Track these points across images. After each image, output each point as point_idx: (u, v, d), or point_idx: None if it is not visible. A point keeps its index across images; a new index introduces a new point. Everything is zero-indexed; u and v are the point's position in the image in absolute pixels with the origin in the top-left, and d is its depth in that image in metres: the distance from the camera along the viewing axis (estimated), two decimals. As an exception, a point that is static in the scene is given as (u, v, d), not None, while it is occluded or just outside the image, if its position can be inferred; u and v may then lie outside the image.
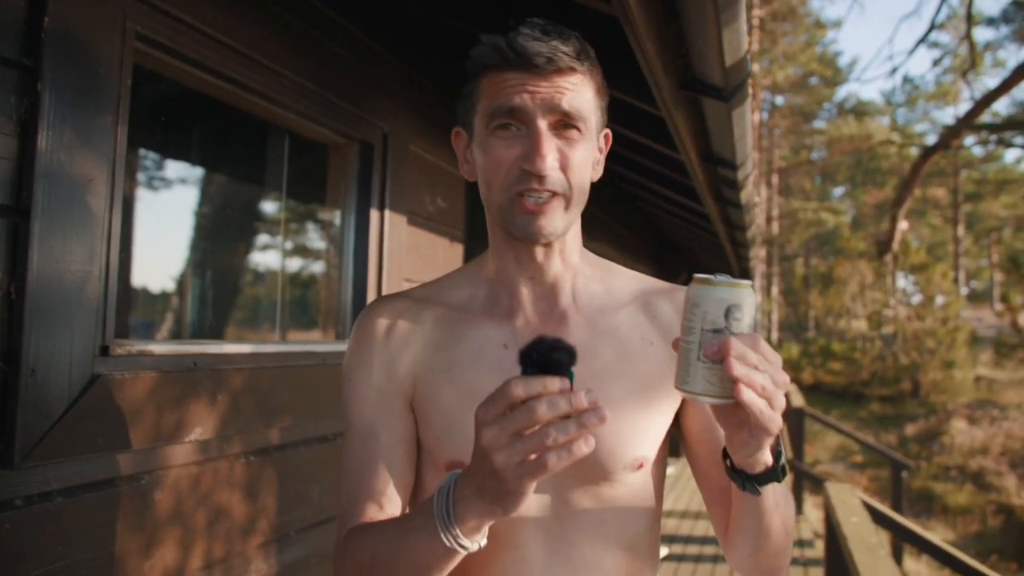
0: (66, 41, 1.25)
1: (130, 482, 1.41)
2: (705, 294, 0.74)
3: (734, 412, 0.75)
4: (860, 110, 34.36)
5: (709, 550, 5.41)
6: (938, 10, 17.52)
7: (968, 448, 15.36)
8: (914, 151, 25.65)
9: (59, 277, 1.24)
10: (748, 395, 0.70)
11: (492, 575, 0.91)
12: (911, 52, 17.86)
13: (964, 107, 31.56)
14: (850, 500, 3.64)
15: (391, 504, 0.92)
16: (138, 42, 1.45)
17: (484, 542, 0.78)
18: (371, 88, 2.30)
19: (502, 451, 0.67)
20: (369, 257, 2.34)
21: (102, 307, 1.34)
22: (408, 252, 2.52)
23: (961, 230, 33.65)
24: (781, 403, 0.73)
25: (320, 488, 2.00)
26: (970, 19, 17.00)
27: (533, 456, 0.67)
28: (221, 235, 2.80)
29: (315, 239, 2.91)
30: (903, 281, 23.39)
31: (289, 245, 2.96)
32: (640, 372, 0.94)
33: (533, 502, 0.90)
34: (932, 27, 16.71)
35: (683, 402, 0.97)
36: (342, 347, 2.18)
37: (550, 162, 0.85)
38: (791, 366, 20.23)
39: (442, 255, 2.77)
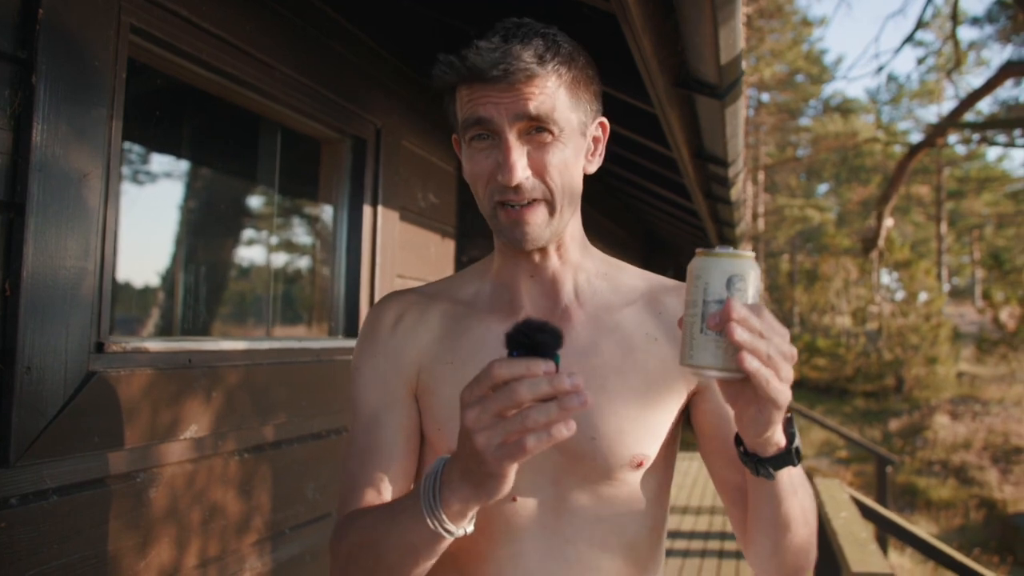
0: (61, 34, 1.23)
1: (125, 480, 1.39)
2: (707, 265, 0.72)
3: (741, 389, 0.73)
4: (846, 108, 34.54)
5: (713, 545, 5.34)
6: (924, 8, 17.69)
7: (951, 443, 15.54)
8: (898, 149, 25.88)
9: (54, 273, 1.23)
10: (753, 363, 0.68)
11: (489, 570, 0.91)
12: (897, 51, 17.98)
13: (948, 105, 31.87)
14: (839, 495, 3.68)
15: (390, 491, 0.93)
16: (133, 35, 1.44)
17: (471, 528, 0.77)
18: (364, 83, 2.29)
19: (483, 432, 0.67)
20: (362, 253, 2.33)
21: (97, 303, 1.33)
22: (401, 248, 2.51)
23: (944, 227, 33.95)
24: (789, 375, 0.70)
25: (315, 485, 1.99)
26: (955, 18, 17.12)
27: (514, 438, 0.66)
28: (211, 230, 2.78)
29: (307, 235, 2.90)
30: (887, 278, 23.61)
31: (280, 240, 2.94)
32: (643, 368, 0.93)
33: (531, 498, 0.90)
34: (919, 25, 16.83)
35: (692, 399, 0.97)
36: (336, 343, 2.17)
37: (519, 172, 0.85)
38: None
39: (434, 251, 2.77)
